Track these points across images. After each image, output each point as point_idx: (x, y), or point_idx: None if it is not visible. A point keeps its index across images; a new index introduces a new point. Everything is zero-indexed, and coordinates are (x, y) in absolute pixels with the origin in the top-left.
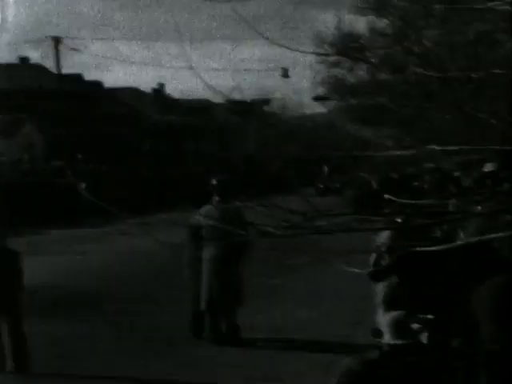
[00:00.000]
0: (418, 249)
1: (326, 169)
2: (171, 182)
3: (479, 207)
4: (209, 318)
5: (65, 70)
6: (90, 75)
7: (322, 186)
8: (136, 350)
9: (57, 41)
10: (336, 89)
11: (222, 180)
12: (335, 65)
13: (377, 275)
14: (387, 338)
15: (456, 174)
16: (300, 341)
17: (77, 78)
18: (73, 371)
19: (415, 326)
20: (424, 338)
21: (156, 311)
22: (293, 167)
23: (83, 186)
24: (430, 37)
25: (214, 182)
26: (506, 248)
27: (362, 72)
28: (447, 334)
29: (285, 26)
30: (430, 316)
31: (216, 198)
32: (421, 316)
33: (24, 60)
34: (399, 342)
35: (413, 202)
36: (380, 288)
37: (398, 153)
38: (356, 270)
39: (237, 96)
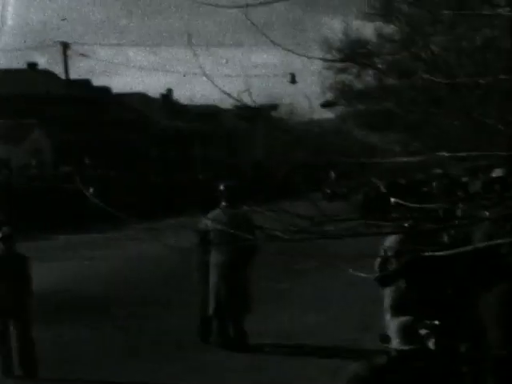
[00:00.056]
0: (425, 254)
1: (332, 174)
2: (179, 188)
3: (487, 212)
4: (216, 322)
5: (73, 76)
6: (97, 81)
7: (329, 191)
8: (145, 355)
9: (65, 46)
10: (343, 94)
11: (230, 186)
12: (343, 70)
13: (384, 280)
14: (395, 344)
15: (464, 179)
16: (308, 346)
17: (85, 84)
18: (80, 376)
19: (423, 331)
20: (431, 343)
21: (164, 315)
22: (300, 172)
23: (91, 191)
24: (437, 43)
25: (222, 187)
26: None
27: (369, 78)
28: (455, 340)
29: (293, 33)
30: (436, 322)
31: (224, 204)
32: (428, 322)
33: (32, 65)
34: (407, 347)
35: (420, 206)
36: (387, 293)
37: (406, 159)
38: (363, 275)
39: (246, 99)
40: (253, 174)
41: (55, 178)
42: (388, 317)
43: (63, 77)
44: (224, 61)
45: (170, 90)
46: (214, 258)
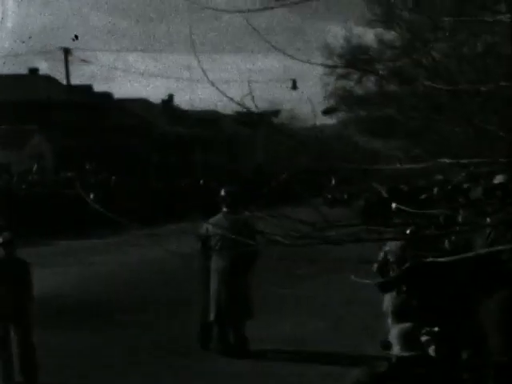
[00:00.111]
0: (426, 260)
1: (333, 180)
2: (180, 193)
3: (488, 219)
4: (217, 328)
5: (74, 81)
6: (99, 86)
7: (329, 197)
8: (145, 361)
9: (66, 52)
10: (344, 100)
11: (231, 191)
12: (344, 76)
13: (385, 286)
14: (396, 350)
15: (465, 185)
16: (309, 352)
17: (86, 89)
18: (81, 382)
19: (424, 337)
20: (432, 350)
21: (165, 321)
22: (302, 178)
23: (91, 196)
24: (438, 49)
25: (223, 192)
26: None
27: (370, 84)
28: (455, 346)
29: (294, 38)
30: (436, 329)
31: (225, 209)
32: (429, 328)
33: (33, 71)
34: (408, 353)
35: (421, 212)
36: (389, 299)
37: (408, 166)
38: (365, 281)
39: (247, 104)
40: (254, 179)
41: (56, 184)
42: (389, 323)
43: (64, 82)
44: (225, 66)
45: (171, 96)
46: (215, 263)
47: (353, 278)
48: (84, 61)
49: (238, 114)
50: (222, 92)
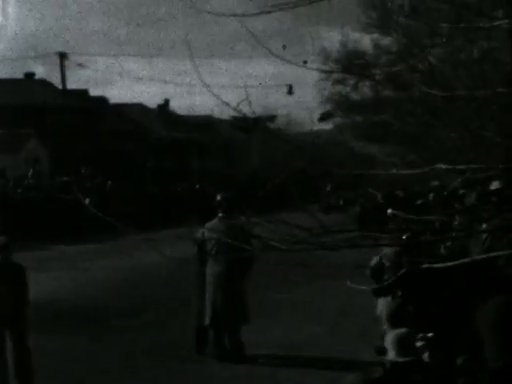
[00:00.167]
0: (422, 266)
1: (328, 186)
2: (176, 198)
3: (484, 225)
4: (213, 333)
5: (70, 86)
6: (95, 91)
7: (325, 203)
8: (141, 365)
9: (62, 56)
10: (340, 105)
11: (227, 196)
12: (340, 82)
13: (380, 291)
14: (391, 356)
15: (461, 191)
16: (305, 357)
17: (82, 94)
18: None
19: (419, 343)
20: (427, 356)
21: (160, 325)
22: (297, 179)
23: (87, 201)
24: (435, 54)
25: (219, 197)
26: (510, 266)
27: (366, 89)
28: (451, 352)
29: (290, 43)
30: (430, 334)
31: (221, 214)
32: (424, 334)
33: (29, 75)
34: (403, 359)
35: (417, 217)
36: (382, 303)
37: (405, 172)
38: (361, 287)
39: (244, 109)
40: (250, 184)
41: (52, 188)
42: (385, 328)
43: (60, 87)
44: (221, 71)
45: (167, 101)
46: (211, 268)
47: (349, 284)
48: (80, 65)
49: (235, 119)
50: (217, 97)
